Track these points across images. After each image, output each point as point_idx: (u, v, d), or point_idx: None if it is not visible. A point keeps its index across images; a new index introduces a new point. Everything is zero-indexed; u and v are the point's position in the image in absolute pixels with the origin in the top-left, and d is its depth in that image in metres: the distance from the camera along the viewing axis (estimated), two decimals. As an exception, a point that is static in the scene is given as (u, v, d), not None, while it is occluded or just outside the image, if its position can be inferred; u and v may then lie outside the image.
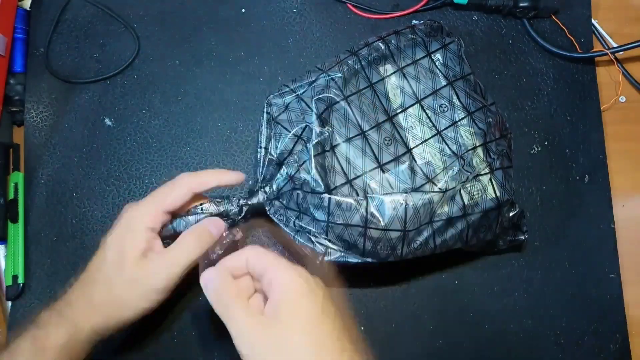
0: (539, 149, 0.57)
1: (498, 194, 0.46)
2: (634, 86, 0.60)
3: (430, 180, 0.46)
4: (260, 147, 0.47)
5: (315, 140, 0.45)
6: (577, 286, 0.54)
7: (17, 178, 0.53)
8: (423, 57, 0.50)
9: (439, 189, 0.45)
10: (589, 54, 0.59)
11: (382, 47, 0.50)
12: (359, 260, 0.44)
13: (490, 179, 0.46)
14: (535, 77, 0.59)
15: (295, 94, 0.48)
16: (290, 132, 0.46)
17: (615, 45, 0.60)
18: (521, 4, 0.58)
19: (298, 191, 0.44)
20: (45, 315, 0.39)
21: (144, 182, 0.54)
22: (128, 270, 0.39)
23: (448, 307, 0.52)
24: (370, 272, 0.52)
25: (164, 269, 0.39)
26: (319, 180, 0.43)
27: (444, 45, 0.51)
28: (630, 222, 0.56)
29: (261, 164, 0.47)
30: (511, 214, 0.48)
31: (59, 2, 0.58)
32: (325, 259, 0.44)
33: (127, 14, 0.58)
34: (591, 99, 0.59)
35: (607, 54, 0.58)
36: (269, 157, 0.47)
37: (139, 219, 0.40)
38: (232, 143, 0.55)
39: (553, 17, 0.60)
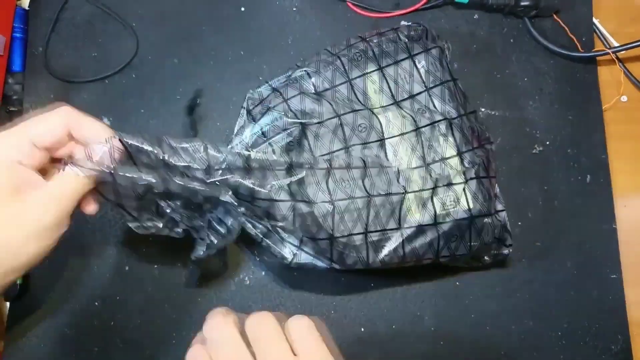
0: (540, 148, 0.57)
1: (470, 204, 0.45)
2: (636, 86, 0.60)
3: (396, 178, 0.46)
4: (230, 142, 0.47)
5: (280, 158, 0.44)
6: (578, 287, 0.53)
7: (15, 178, 0.52)
8: (404, 60, 0.49)
9: (403, 187, 0.45)
10: (591, 54, 0.59)
11: (363, 47, 0.49)
12: (327, 266, 0.45)
13: (464, 189, 0.45)
14: (536, 77, 0.59)
15: (271, 87, 0.48)
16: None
17: (616, 44, 0.60)
18: (522, 3, 0.58)
19: (260, 207, 0.43)
20: None
21: (142, 182, 0.53)
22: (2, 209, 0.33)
23: (449, 308, 0.52)
24: (370, 274, 0.52)
25: (53, 201, 0.35)
26: (289, 227, 0.43)
27: (426, 49, 0.49)
28: (632, 223, 0.56)
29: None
30: (490, 227, 0.46)
31: (58, 1, 0.57)
32: (295, 260, 0.44)
33: (126, 13, 0.58)
34: (593, 99, 0.59)
35: (608, 53, 0.58)
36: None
37: (2, 152, 0.34)
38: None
39: (554, 16, 0.60)
